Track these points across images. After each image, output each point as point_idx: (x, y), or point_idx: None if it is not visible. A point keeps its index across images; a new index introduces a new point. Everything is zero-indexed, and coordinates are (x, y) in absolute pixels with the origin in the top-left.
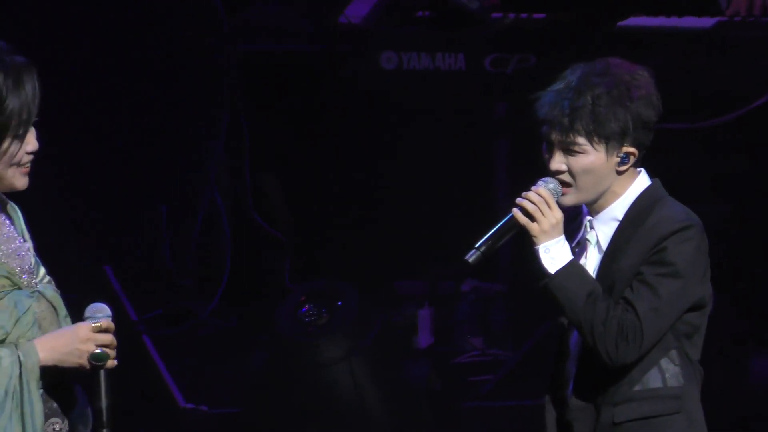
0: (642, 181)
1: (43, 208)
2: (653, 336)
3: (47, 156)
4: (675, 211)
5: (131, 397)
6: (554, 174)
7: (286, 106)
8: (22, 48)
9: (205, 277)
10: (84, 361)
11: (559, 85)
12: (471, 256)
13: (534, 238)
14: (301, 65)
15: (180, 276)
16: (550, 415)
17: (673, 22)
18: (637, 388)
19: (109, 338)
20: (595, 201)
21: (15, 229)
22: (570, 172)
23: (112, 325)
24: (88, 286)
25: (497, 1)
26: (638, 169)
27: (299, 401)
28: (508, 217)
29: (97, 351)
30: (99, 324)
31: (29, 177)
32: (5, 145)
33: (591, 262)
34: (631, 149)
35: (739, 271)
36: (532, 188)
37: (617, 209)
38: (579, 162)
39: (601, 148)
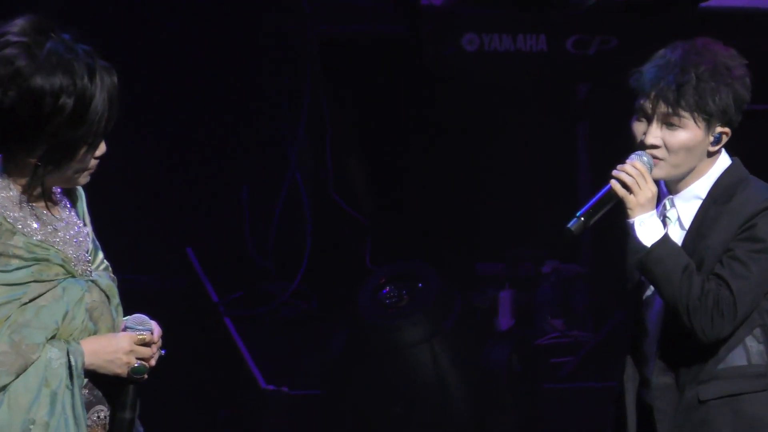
0: (724, 160)
1: (125, 189)
2: (746, 311)
3: (132, 137)
4: (763, 189)
5: (212, 379)
6: (648, 148)
7: (367, 88)
8: (103, 42)
9: (285, 259)
10: (123, 371)
11: (659, 62)
12: (573, 224)
13: (630, 211)
14: (382, 47)
15: (261, 258)
16: (630, 396)
17: (755, 2)
18: (721, 366)
19: (149, 352)
20: (680, 179)
21: (76, 213)
22: (666, 146)
23: (154, 338)
24: (170, 267)
25: None
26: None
27: (380, 383)
28: (606, 188)
29: (136, 364)
30: (144, 336)
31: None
32: (81, 152)
33: (673, 239)
34: (726, 129)
35: None
36: (628, 161)
37: (700, 188)
38: (677, 137)
39: (702, 125)
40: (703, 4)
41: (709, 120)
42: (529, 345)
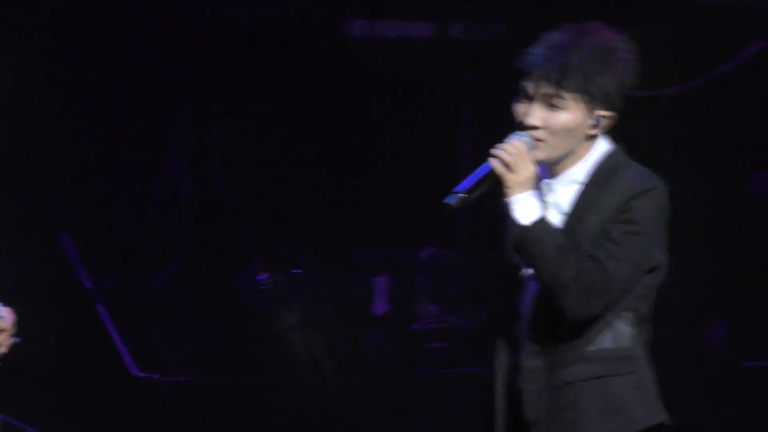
0: (603, 144)
1: None
2: (619, 292)
3: (6, 122)
4: (641, 173)
5: (84, 366)
6: (529, 128)
7: (253, 73)
8: None
9: (163, 245)
10: None
11: (546, 43)
12: (451, 200)
13: (509, 190)
14: (270, 33)
15: (138, 243)
16: (500, 380)
17: None
18: (591, 348)
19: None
20: (558, 162)
21: None
22: (547, 127)
23: (5, 325)
24: (44, 254)
25: None
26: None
27: (256, 369)
28: (485, 166)
29: None
30: None
31: None
32: None
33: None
34: (607, 113)
35: (696, 238)
36: (508, 140)
37: (578, 172)
38: (558, 118)
39: (584, 107)
40: None
41: (591, 102)
42: (404, 330)
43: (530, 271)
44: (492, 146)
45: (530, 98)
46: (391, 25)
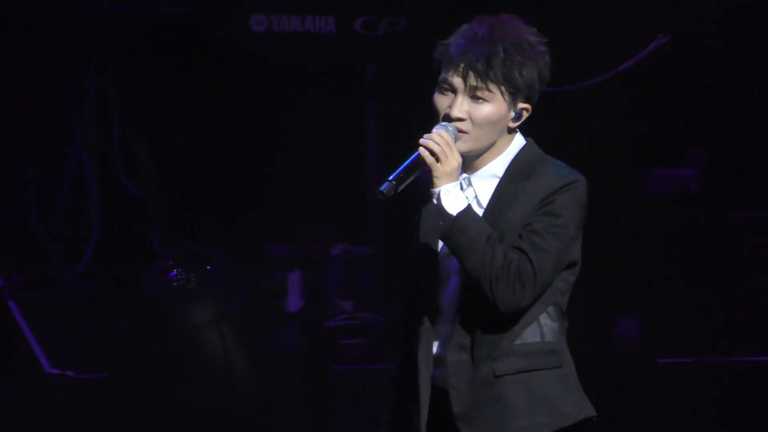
0: (519, 139)
1: None
2: (544, 284)
3: None
4: (562, 167)
5: None
6: (453, 120)
7: (155, 68)
8: None
9: (72, 241)
10: None
11: (466, 34)
12: (385, 188)
13: (436, 179)
14: (171, 27)
15: (46, 239)
16: (424, 374)
17: None
18: (517, 342)
19: None
20: (477, 155)
21: None
22: (471, 119)
23: None
24: None
25: None
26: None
27: (168, 366)
28: (414, 155)
29: None
30: None
31: None
32: None
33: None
34: (527, 105)
35: (604, 231)
36: (434, 131)
37: (497, 166)
38: (483, 110)
39: (507, 99)
40: None
41: (514, 94)
42: (318, 327)
43: (449, 263)
44: (397, 141)
45: (454, 90)
46: (293, 20)
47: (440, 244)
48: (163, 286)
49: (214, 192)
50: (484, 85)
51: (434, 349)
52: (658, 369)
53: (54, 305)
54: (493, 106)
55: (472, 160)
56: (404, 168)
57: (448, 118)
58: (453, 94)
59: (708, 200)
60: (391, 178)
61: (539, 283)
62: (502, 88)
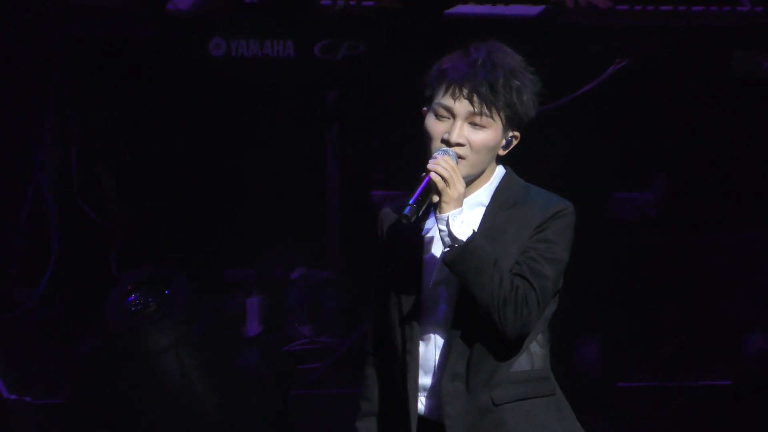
0: (499, 167)
1: None
2: (543, 310)
3: None
4: (548, 194)
5: None
6: (452, 146)
7: (116, 92)
8: None
9: (31, 265)
10: None
11: (465, 60)
12: (408, 211)
13: (444, 205)
14: (130, 51)
15: (5, 263)
16: (413, 405)
17: (500, 10)
18: (512, 370)
19: None
20: (467, 183)
21: None
22: (470, 145)
23: None
24: None
25: None
26: None
27: (127, 391)
28: (426, 180)
29: None
30: None
31: None
32: None
33: None
34: (516, 133)
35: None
36: (438, 156)
37: (483, 194)
38: (482, 136)
39: (503, 125)
40: (449, 11)
41: (511, 120)
42: (277, 351)
43: (437, 292)
44: (358, 165)
45: (452, 115)
46: (252, 44)
47: (430, 272)
48: (122, 311)
49: (174, 216)
50: (486, 112)
51: (424, 379)
52: (618, 393)
53: (11, 329)
54: (492, 133)
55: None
56: (420, 192)
57: (447, 144)
58: (450, 119)
59: (668, 224)
60: (411, 202)
61: (542, 309)
62: (501, 114)
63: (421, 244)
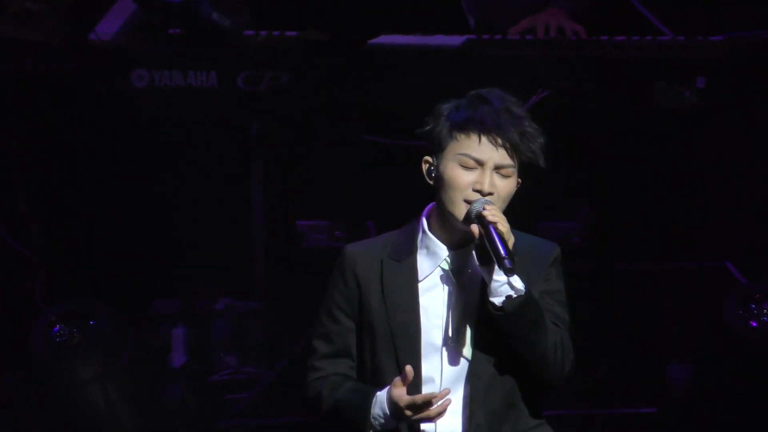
0: None
1: None
2: None
3: None
4: (535, 238)
5: None
6: (485, 195)
7: (39, 124)
8: None
9: None
10: None
11: (484, 108)
12: (510, 264)
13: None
14: (52, 83)
15: None
16: None
17: (423, 40)
18: (532, 420)
19: None
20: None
21: None
22: (498, 194)
23: None
24: None
25: (248, 18)
26: None
27: (52, 423)
28: (495, 233)
29: None
30: None
31: None
32: None
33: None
34: (520, 180)
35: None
36: (487, 208)
37: None
38: (507, 185)
39: (516, 173)
40: (372, 41)
41: (523, 168)
42: (203, 382)
43: (432, 337)
44: (283, 196)
45: (480, 164)
46: (175, 75)
47: (433, 322)
48: (47, 342)
49: (98, 246)
50: (513, 161)
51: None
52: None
53: None
54: (513, 180)
55: (466, 234)
56: (502, 243)
57: (480, 194)
58: (478, 169)
59: (591, 253)
60: (505, 254)
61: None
62: (528, 161)
63: (417, 291)
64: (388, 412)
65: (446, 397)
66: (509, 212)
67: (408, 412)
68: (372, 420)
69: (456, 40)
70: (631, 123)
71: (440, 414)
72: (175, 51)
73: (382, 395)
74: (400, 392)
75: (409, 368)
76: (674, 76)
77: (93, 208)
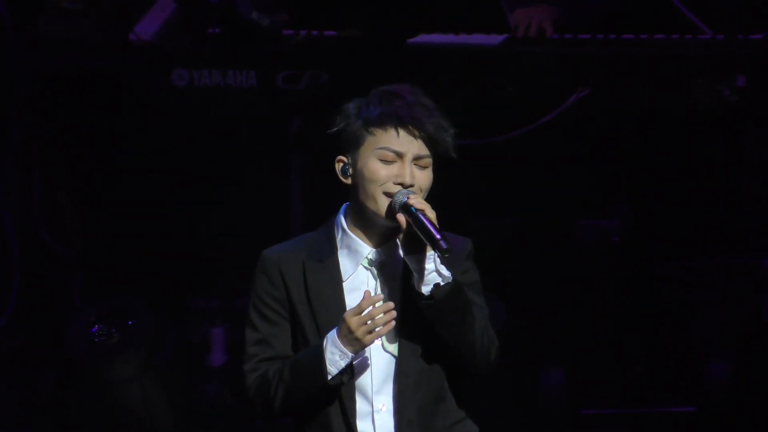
0: None
1: None
2: None
3: None
4: (447, 233)
5: None
6: (407, 188)
7: (79, 121)
8: None
9: None
10: None
11: (399, 102)
12: (446, 245)
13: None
14: (93, 81)
15: None
16: None
17: (462, 39)
18: (457, 412)
19: None
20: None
21: None
22: (418, 186)
23: None
24: None
25: (288, 18)
26: None
27: (91, 422)
28: (426, 220)
29: None
30: None
31: None
32: None
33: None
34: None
35: (528, 282)
36: (410, 199)
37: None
38: (427, 176)
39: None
40: (412, 40)
41: (437, 158)
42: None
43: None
44: (321, 193)
45: (400, 157)
46: (214, 74)
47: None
48: (86, 342)
49: (138, 245)
50: (432, 152)
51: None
52: (582, 420)
53: None
54: (430, 171)
55: (377, 234)
56: (434, 226)
57: (402, 187)
58: (398, 162)
59: (631, 251)
60: (440, 237)
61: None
62: (436, 153)
63: (342, 291)
64: (341, 345)
65: (390, 310)
66: (547, 208)
67: (359, 329)
68: (329, 366)
69: (495, 39)
70: (670, 122)
71: (388, 324)
72: (215, 50)
73: (332, 332)
74: (347, 312)
75: (368, 291)
76: (714, 74)
77: (132, 207)
